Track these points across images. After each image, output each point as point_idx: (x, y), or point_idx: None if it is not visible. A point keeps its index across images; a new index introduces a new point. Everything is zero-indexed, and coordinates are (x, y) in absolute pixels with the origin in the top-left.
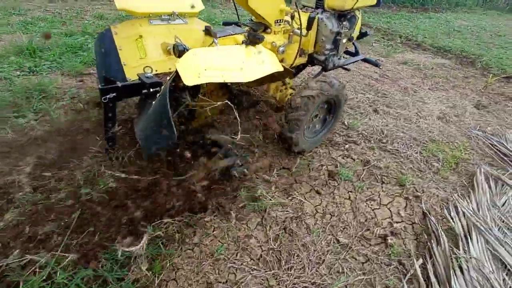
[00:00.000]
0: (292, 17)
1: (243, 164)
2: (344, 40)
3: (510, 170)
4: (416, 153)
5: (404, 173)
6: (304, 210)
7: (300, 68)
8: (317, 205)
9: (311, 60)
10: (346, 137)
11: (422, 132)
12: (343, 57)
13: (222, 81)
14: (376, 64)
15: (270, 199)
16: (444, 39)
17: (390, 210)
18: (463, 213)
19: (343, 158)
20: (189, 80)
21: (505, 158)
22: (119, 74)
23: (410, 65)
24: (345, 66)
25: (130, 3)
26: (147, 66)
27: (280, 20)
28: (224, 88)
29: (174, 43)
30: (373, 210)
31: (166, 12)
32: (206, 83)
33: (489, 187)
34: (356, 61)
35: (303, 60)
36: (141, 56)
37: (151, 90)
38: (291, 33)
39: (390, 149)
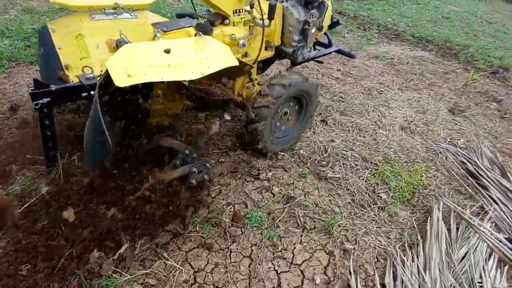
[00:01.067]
0: (251, 6)
1: (202, 171)
2: (313, 30)
3: (481, 199)
4: (362, 179)
5: (338, 212)
6: (174, 281)
7: (267, 63)
8: (198, 271)
9: (279, 53)
10: (274, 161)
11: (377, 148)
12: (316, 48)
13: (160, 80)
14: (350, 55)
15: (125, 274)
16: (428, 28)
17: (302, 274)
18: (402, 280)
19: (259, 192)
20: (120, 80)
21: (477, 182)
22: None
23: (382, 60)
24: (317, 59)
25: None
26: (86, 67)
27: (240, 10)
28: (182, 88)
29: (117, 39)
30: (278, 274)
31: (109, 5)
32: (157, 83)
33: (448, 229)
34: (329, 53)
35: (269, 53)
36: (83, 55)
37: (92, 93)
38: (252, 24)
39: (329, 176)
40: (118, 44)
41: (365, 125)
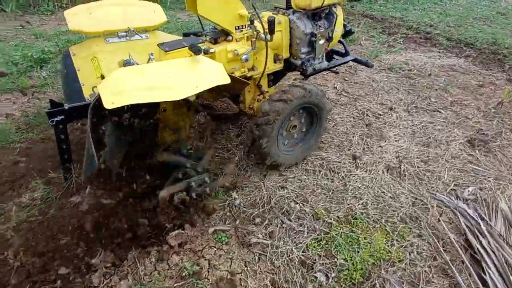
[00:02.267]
0: (252, 22)
1: (201, 185)
2: (322, 41)
3: None
4: (299, 248)
5: None
6: None
7: (278, 75)
8: None
9: (289, 66)
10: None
11: (342, 198)
12: (334, 57)
13: (147, 101)
14: (367, 65)
15: None
16: (474, 28)
17: None
18: None
19: (152, 261)
20: (109, 103)
21: (475, 259)
22: (79, 94)
23: (396, 72)
24: (333, 69)
25: (82, 23)
26: (95, 87)
27: (242, 26)
28: (187, 104)
29: (124, 60)
30: None
31: (121, 29)
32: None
33: None
34: (345, 63)
35: (278, 66)
36: (97, 75)
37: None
38: (253, 39)
39: (254, 241)
40: (124, 65)
41: (339, 163)
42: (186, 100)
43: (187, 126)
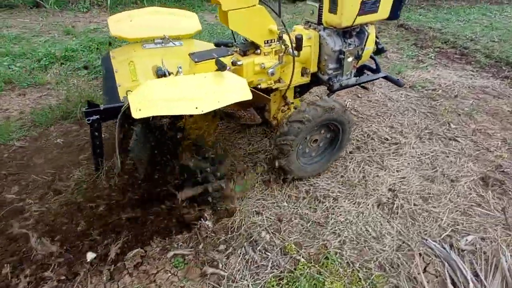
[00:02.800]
0: (280, 38)
1: (218, 190)
2: (350, 59)
3: None
4: (257, 284)
5: None
6: None
7: (305, 88)
8: None
9: (316, 80)
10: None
11: (319, 232)
12: (365, 73)
13: (170, 113)
14: (398, 83)
15: None
16: None
17: None
18: None
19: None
20: (137, 113)
21: None
22: (115, 94)
23: (418, 90)
24: (363, 85)
25: (122, 30)
26: (129, 91)
27: (271, 40)
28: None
29: (157, 67)
30: None
31: (157, 36)
32: None
33: None
34: (375, 79)
35: (305, 79)
36: (132, 78)
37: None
38: (281, 54)
39: (211, 272)
40: (156, 72)
41: (327, 191)
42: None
43: (211, 132)
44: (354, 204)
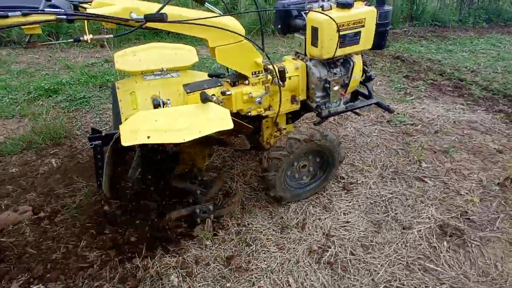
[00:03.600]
0: (266, 70)
1: (206, 212)
2: (336, 88)
3: None
4: None
5: None
6: None
7: (297, 115)
8: None
9: (306, 107)
10: None
11: (223, 284)
12: (359, 99)
13: (155, 142)
14: (388, 110)
15: None
16: None
17: None
18: None
19: None
20: (125, 141)
21: None
22: (119, 121)
23: (397, 125)
24: (356, 110)
25: (125, 64)
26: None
27: (258, 72)
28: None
29: (153, 97)
30: None
31: (157, 69)
32: None
33: None
34: (367, 105)
35: (295, 106)
36: (133, 107)
37: None
38: (267, 85)
39: None
40: (153, 101)
41: (260, 233)
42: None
43: (205, 157)
44: (282, 249)
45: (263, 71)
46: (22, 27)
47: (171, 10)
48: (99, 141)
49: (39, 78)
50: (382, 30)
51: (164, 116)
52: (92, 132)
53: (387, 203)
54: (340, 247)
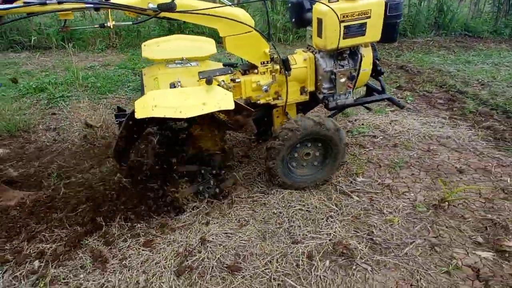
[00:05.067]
0: (272, 59)
1: (209, 188)
2: (343, 80)
3: None
4: None
5: None
6: None
7: (307, 106)
8: None
9: (315, 99)
10: None
11: None
12: (373, 94)
13: (162, 116)
14: (399, 105)
15: None
16: None
17: None
18: None
19: None
20: (139, 114)
21: None
22: None
23: (354, 136)
24: (367, 105)
25: (151, 52)
26: None
27: (266, 61)
28: (216, 122)
29: (171, 82)
30: None
31: (178, 58)
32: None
33: None
34: (378, 100)
35: (304, 97)
36: None
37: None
38: (273, 74)
39: None
40: (170, 86)
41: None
42: (215, 118)
43: (217, 141)
44: (153, 248)
45: (270, 60)
46: (58, 12)
47: (184, 1)
48: (124, 118)
49: (37, 79)
50: (393, 22)
51: (173, 95)
52: (118, 111)
53: (291, 215)
54: (211, 253)
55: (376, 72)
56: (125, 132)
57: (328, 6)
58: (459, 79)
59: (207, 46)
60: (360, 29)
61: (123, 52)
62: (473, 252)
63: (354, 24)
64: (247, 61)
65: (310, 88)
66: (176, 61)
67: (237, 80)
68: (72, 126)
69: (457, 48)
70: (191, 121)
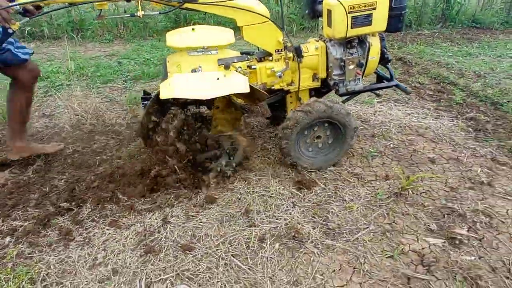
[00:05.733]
0: (285, 47)
1: (227, 165)
2: (351, 67)
3: None
4: None
5: None
6: None
7: (320, 93)
8: None
9: (327, 86)
10: None
11: None
12: (383, 81)
13: (183, 97)
14: (406, 91)
15: None
16: None
17: None
18: None
19: None
20: (163, 95)
21: None
22: None
23: None
24: (376, 91)
25: (174, 41)
26: None
27: (280, 49)
28: (231, 103)
29: (192, 68)
30: None
31: (199, 47)
32: (215, 100)
33: None
34: (386, 87)
35: (316, 84)
36: None
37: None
38: (286, 60)
39: None
40: (192, 71)
41: None
42: (232, 102)
43: (236, 124)
44: (119, 228)
45: (284, 48)
46: (95, 3)
47: None
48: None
49: (42, 68)
50: (397, 13)
51: (193, 78)
52: (144, 94)
53: (253, 199)
54: (169, 233)
55: (384, 60)
56: (150, 110)
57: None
58: (455, 71)
59: (226, 35)
60: (367, 20)
61: (130, 42)
62: (423, 238)
63: (360, 15)
64: (262, 49)
65: (322, 75)
66: (198, 50)
67: (253, 67)
68: (65, 113)
69: (462, 40)
70: (211, 104)
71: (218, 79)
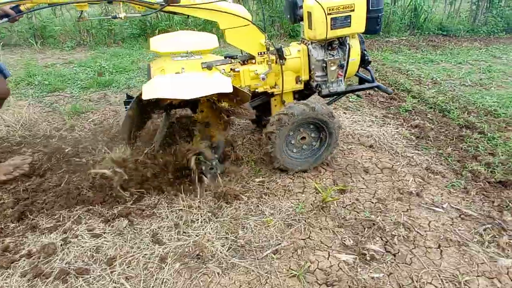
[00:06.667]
0: (267, 49)
1: (212, 168)
2: (333, 68)
3: None
4: None
5: None
6: None
7: (303, 95)
8: None
9: (309, 87)
10: None
11: None
12: (365, 83)
13: (166, 97)
14: (386, 92)
15: None
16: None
17: None
18: None
19: None
20: (145, 96)
21: None
22: None
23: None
24: (357, 93)
25: (158, 47)
26: None
27: (263, 52)
28: (218, 109)
29: (177, 72)
30: None
31: (183, 52)
32: (199, 104)
33: None
34: (368, 88)
35: (299, 86)
36: None
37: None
38: (269, 63)
39: None
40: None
41: None
42: (217, 106)
43: (222, 128)
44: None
45: (266, 51)
46: (75, 4)
47: None
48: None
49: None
50: (375, 16)
51: (177, 79)
52: (127, 98)
53: (168, 216)
54: (67, 254)
55: (364, 62)
56: (132, 112)
57: (316, 1)
58: (413, 78)
59: (210, 40)
60: (346, 21)
61: (92, 49)
62: (335, 255)
63: (339, 16)
64: (246, 53)
65: (305, 77)
66: (181, 54)
67: (236, 70)
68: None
69: (426, 47)
70: (195, 107)
71: (200, 79)
